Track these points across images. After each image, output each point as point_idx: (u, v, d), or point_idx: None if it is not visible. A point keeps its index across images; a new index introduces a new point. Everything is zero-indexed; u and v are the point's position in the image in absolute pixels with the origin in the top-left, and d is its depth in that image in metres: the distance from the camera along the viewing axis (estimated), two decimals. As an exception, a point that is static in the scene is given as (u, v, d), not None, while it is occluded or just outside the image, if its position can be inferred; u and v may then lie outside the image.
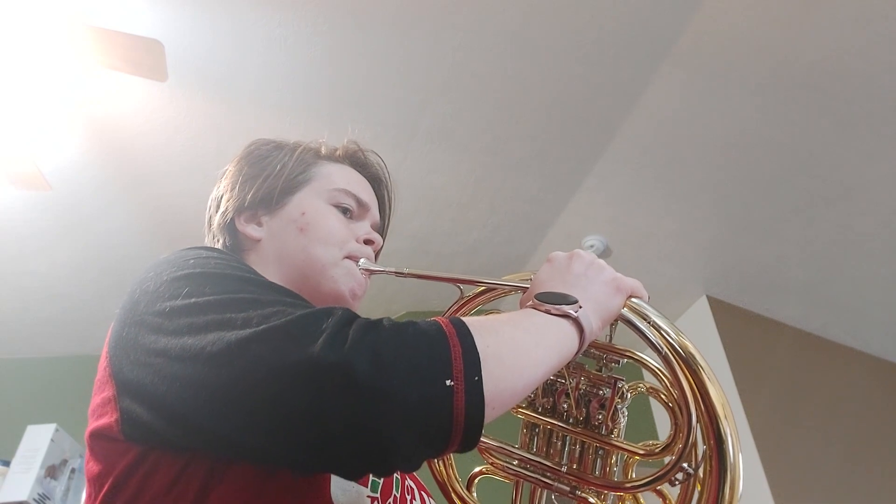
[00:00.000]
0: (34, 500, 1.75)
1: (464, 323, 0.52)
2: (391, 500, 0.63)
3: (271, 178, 0.80)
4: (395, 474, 0.66)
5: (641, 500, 0.69)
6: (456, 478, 0.76)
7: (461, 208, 2.63)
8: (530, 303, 0.62)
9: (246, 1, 1.81)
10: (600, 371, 0.68)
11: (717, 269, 2.78)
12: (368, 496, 0.60)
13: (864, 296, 2.69)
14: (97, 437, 0.57)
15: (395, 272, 0.75)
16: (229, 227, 0.80)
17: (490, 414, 0.49)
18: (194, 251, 0.64)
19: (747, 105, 2.09)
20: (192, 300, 0.54)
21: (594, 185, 2.52)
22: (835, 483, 2.48)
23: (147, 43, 1.64)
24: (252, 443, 0.48)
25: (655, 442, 0.66)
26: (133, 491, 0.53)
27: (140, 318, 0.56)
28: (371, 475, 0.62)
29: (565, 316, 0.59)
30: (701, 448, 0.60)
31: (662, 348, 0.61)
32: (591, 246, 2.73)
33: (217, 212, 0.81)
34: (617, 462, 0.68)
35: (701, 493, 0.59)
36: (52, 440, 1.88)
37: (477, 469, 0.75)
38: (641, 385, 0.70)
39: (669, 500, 0.65)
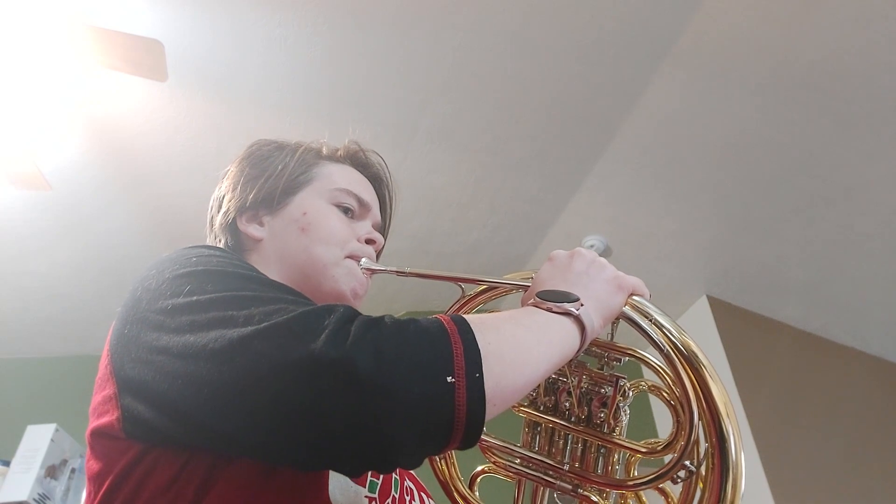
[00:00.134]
0: (34, 500, 1.75)
1: (465, 320, 0.52)
2: (389, 500, 0.63)
3: (273, 178, 0.80)
4: (394, 475, 0.66)
5: (644, 499, 0.69)
6: (458, 477, 0.76)
7: (461, 208, 2.63)
8: (532, 301, 0.62)
9: (246, 1, 1.81)
10: (602, 369, 0.68)
11: (717, 269, 2.78)
12: (366, 496, 0.60)
13: (864, 296, 2.69)
14: (98, 435, 0.57)
15: (397, 271, 0.75)
16: (231, 228, 0.81)
17: (491, 411, 0.49)
18: (196, 249, 0.64)
19: (747, 105, 2.09)
20: (194, 298, 0.54)
21: (594, 185, 2.52)
22: (835, 483, 2.48)
23: (147, 43, 1.64)
24: (254, 440, 0.48)
25: (657, 440, 0.66)
26: (132, 488, 0.53)
27: (142, 316, 0.56)
28: (370, 474, 0.62)
29: (566, 314, 0.59)
30: (703, 446, 0.60)
31: (664, 346, 0.61)
32: (592, 246, 2.73)
33: (219, 212, 0.82)
34: (619, 460, 0.68)
35: (703, 492, 0.59)
36: (52, 440, 1.88)
37: (479, 468, 0.75)
38: (643, 383, 0.70)
39: (672, 499, 0.65)
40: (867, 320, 2.81)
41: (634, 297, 0.66)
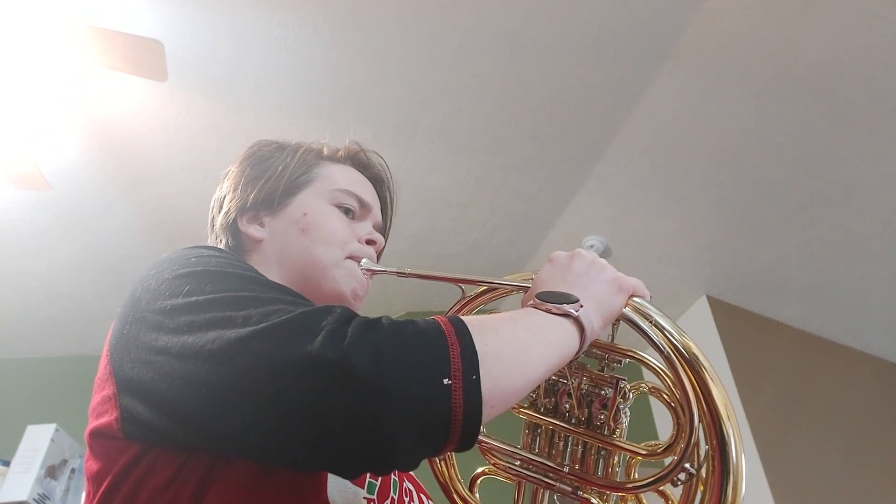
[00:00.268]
0: (34, 500, 1.75)
1: (462, 322, 0.52)
2: (388, 501, 0.63)
3: (273, 178, 0.80)
4: (392, 476, 0.66)
5: (644, 501, 0.69)
6: (458, 478, 0.76)
7: (461, 208, 2.63)
8: (531, 302, 0.62)
9: (246, 1, 1.81)
10: (602, 371, 0.68)
11: (717, 270, 2.78)
12: (365, 498, 0.60)
13: (864, 296, 2.69)
14: (97, 435, 0.57)
15: (397, 272, 0.75)
16: (232, 228, 0.81)
17: (489, 412, 0.49)
18: (196, 250, 0.64)
19: (748, 106, 2.09)
20: (193, 298, 0.54)
21: (594, 186, 2.52)
22: (835, 483, 2.47)
23: (147, 43, 1.64)
24: (252, 440, 0.48)
25: (658, 442, 0.66)
26: (131, 488, 0.53)
27: (141, 316, 0.56)
28: (369, 475, 0.62)
29: (566, 315, 0.59)
30: (703, 448, 0.60)
31: (665, 348, 0.61)
32: (591, 246, 2.73)
33: (220, 212, 0.82)
34: (619, 462, 0.68)
35: (703, 494, 0.59)
36: (52, 440, 1.88)
37: (479, 469, 0.75)
38: (643, 385, 0.70)
39: (672, 501, 0.65)
40: (867, 321, 2.81)
41: (635, 299, 0.66)
